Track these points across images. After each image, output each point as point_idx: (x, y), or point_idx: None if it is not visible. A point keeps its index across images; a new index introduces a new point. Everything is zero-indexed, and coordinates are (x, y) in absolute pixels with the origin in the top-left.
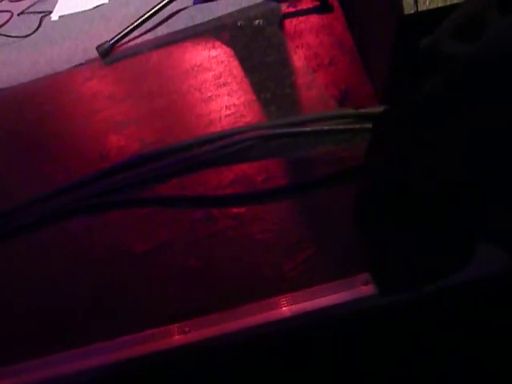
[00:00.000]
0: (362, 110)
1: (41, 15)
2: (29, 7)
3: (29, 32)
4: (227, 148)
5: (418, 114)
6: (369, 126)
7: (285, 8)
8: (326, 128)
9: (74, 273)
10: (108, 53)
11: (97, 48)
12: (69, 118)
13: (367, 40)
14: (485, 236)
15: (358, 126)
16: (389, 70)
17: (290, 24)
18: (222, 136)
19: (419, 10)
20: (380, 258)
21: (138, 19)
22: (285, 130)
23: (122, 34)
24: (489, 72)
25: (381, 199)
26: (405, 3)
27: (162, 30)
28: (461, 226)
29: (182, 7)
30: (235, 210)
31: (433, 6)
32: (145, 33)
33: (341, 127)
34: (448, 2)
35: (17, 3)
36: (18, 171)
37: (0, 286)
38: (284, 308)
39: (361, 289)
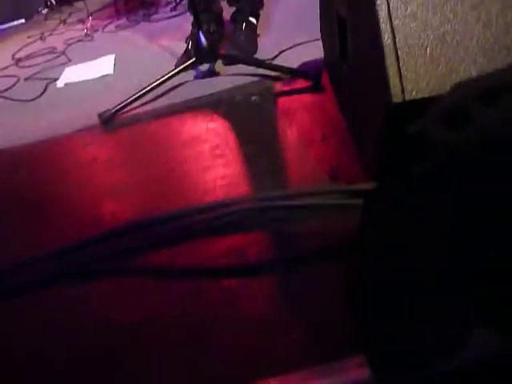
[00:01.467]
0: (353, 187)
1: (46, 81)
2: (36, 73)
3: (33, 97)
4: (221, 218)
5: (408, 195)
6: (359, 201)
7: (279, 86)
8: (318, 202)
9: (59, 343)
10: (109, 120)
11: (99, 115)
12: (65, 182)
13: (357, 122)
14: (479, 319)
15: (348, 201)
16: (377, 152)
17: (284, 101)
18: (216, 206)
19: (406, 99)
20: (375, 341)
21: (140, 91)
22: (278, 203)
23: (124, 103)
24: (473, 158)
25: (375, 282)
26: (393, 92)
27: (162, 102)
28: (455, 310)
29: (183, 81)
30: (226, 282)
31: (419, 95)
32: (145, 103)
33: (332, 202)
34: (433, 93)
35: (24, 69)
36: (10, 233)
37: None
38: None
39: (355, 372)
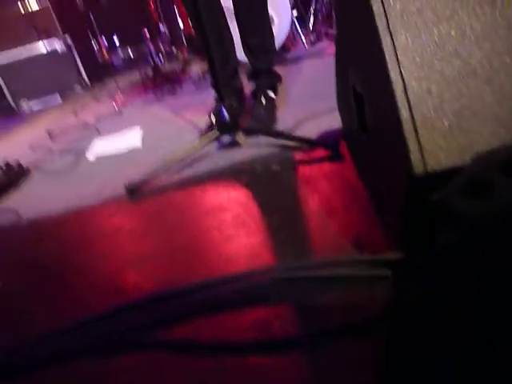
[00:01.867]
0: (377, 257)
1: (78, 154)
2: (68, 147)
3: (65, 169)
4: (244, 289)
5: (433, 265)
6: (384, 272)
7: (299, 156)
8: (341, 273)
9: None
10: (135, 191)
11: (125, 186)
12: (90, 252)
13: (379, 192)
14: None
15: (373, 272)
16: (401, 222)
17: (305, 171)
18: (238, 277)
19: (428, 170)
20: None
21: (166, 163)
22: (300, 274)
23: (150, 174)
24: (496, 228)
25: (401, 352)
26: (414, 164)
27: (186, 173)
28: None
29: (206, 153)
30: (250, 360)
31: (440, 167)
32: (169, 175)
33: (357, 273)
34: (454, 164)
35: (58, 143)
36: (35, 304)
37: None
38: None
39: None
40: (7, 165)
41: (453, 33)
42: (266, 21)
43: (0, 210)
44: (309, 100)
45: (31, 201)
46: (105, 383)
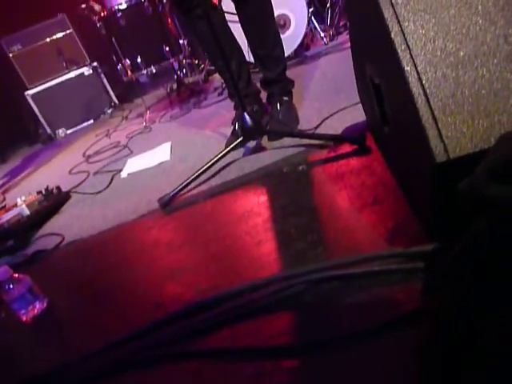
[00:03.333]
0: (413, 249)
1: (112, 173)
2: (103, 167)
3: (101, 188)
4: (278, 293)
5: (469, 253)
6: (421, 265)
7: (325, 153)
8: (377, 269)
9: None
10: (168, 204)
11: (158, 200)
12: (130, 267)
13: (407, 183)
14: None
15: (410, 265)
16: (432, 211)
17: (332, 168)
18: (273, 281)
19: (451, 157)
20: None
21: (195, 173)
22: (335, 273)
23: (181, 186)
24: None
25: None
26: (436, 152)
27: (215, 181)
28: None
29: (233, 160)
30: (289, 363)
31: (464, 152)
32: (200, 184)
33: (393, 267)
34: (478, 148)
35: (94, 164)
36: (80, 323)
37: None
38: None
39: None
40: (47, 190)
41: (464, 12)
42: (272, 31)
43: (45, 234)
44: (331, 95)
45: (73, 223)
46: None
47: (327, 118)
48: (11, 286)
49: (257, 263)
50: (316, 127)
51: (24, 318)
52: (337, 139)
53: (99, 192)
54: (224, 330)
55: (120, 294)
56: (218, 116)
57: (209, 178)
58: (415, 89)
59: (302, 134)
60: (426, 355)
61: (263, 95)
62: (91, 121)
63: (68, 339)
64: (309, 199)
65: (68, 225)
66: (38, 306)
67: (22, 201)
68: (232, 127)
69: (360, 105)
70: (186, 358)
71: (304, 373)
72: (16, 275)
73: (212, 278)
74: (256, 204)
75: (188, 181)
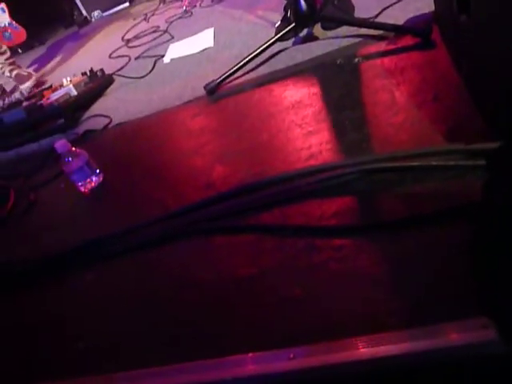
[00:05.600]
0: (474, 146)
1: (154, 59)
2: (144, 52)
3: (144, 73)
4: (330, 180)
5: None
6: (481, 162)
7: (384, 46)
8: (434, 163)
9: (177, 293)
10: (214, 91)
11: (204, 87)
12: (178, 149)
13: (479, 78)
14: None
15: (469, 162)
16: (504, 109)
17: (391, 61)
18: (325, 169)
19: None
20: (505, 303)
21: (241, 60)
22: (390, 164)
23: (227, 74)
24: None
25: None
26: None
27: (263, 70)
28: None
29: (282, 48)
30: (339, 241)
31: None
32: (247, 72)
33: (451, 163)
34: None
35: (134, 49)
36: (132, 195)
37: (109, 301)
38: (392, 345)
39: (479, 332)
40: (92, 71)
41: None
42: None
43: (92, 115)
44: None
45: (118, 106)
46: (203, 259)
47: (388, 7)
48: (70, 159)
49: (306, 153)
50: (375, 16)
51: (82, 189)
52: (399, 30)
53: (143, 77)
54: (275, 210)
55: (169, 172)
56: (263, 1)
57: (256, 67)
58: None
59: (362, 23)
60: (474, 250)
61: None
62: (127, 3)
63: (125, 209)
64: (364, 93)
65: (114, 107)
66: (95, 179)
67: (67, 81)
68: (283, 14)
69: None
70: (240, 230)
71: (350, 252)
72: (74, 149)
73: (260, 164)
74: (307, 95)
75: (235, 68)
